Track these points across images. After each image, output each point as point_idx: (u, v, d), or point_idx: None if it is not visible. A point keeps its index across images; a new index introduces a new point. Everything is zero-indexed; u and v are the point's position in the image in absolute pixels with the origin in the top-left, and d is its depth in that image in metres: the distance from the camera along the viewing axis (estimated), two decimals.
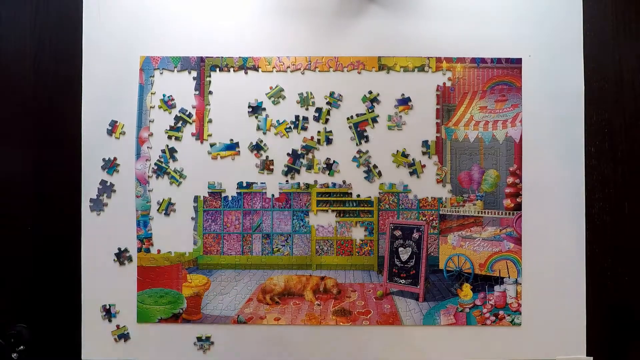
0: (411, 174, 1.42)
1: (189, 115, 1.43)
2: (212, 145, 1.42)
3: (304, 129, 1.43)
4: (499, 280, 1.40)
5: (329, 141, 1.43)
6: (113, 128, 1.41)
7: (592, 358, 1.38)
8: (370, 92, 1.43)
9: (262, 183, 1.42)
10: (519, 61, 1.42)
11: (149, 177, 1.41)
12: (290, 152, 1.42)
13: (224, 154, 1.42)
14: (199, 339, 1.39)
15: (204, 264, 1.41)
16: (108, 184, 1.41)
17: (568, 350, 1.39)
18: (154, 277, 1.40)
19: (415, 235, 1.42)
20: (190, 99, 1.43)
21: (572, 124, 1.42)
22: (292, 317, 1.40)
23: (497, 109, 1.43)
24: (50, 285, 1.39)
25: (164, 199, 1.41)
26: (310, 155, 1.42)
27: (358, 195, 1.42)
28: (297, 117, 1.43)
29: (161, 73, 1.43)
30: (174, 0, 1.42)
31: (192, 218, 1.42)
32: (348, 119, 1.43)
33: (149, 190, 1.41)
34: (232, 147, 1.43)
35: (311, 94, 1.43)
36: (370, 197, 1.42)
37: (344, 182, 1.42)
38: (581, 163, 1.41)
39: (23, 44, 1.41)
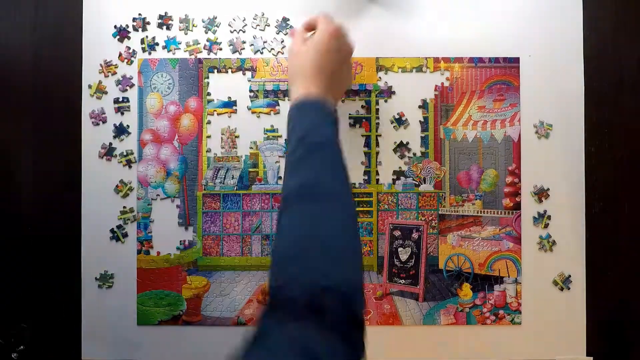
0: None
1: None
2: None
3: None
4: (499, 280, 1.40)
5: None
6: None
7: (592, 358, 1.38)
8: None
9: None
10: (516, 60, 1.42)
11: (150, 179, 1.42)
12: None
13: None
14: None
15: (203, 265, 1.41)
16: None
17: (568, 350, 1.38)
18: (153, 279, 1.40)
19: (415, 235, 1.42)
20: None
21: (572, 124, 1.41)
22: None
23: (495, 108, 1.42)
24: (51, 285, 1.39)
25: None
26: None
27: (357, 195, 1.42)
28: None
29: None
30: (173, 1, 1.42)
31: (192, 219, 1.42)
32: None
33: (149, 193, 1.41)
34: None
35: None
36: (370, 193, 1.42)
37: None
38: (581, 163, 1.41)
39: (23, 44, 1.41)
